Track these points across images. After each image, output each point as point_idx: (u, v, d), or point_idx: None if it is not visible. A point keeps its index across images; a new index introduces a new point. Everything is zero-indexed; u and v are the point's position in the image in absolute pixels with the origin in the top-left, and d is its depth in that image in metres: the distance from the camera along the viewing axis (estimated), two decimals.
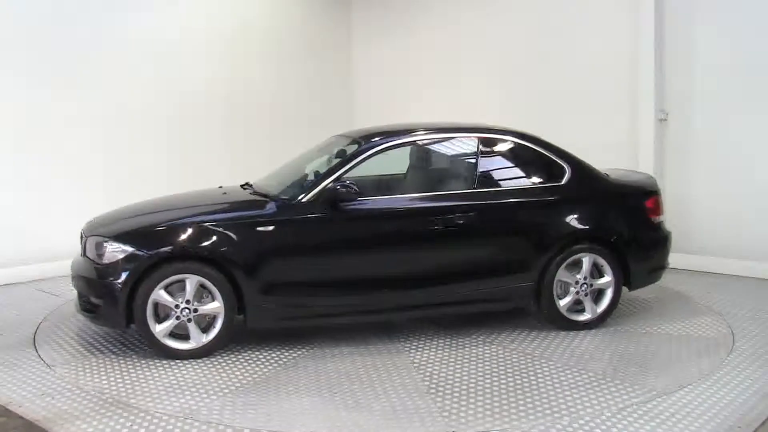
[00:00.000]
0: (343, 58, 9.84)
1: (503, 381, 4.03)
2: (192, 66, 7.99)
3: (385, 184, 5.47)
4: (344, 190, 4.53)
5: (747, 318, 5.21)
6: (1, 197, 6.56)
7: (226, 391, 3.92)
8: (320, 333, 4.87)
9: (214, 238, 4.40)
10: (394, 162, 5.36)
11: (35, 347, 4.69)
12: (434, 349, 4.58)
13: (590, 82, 7.42)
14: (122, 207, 5.14)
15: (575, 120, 7.43)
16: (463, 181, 5.02)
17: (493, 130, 5.18)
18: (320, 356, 4.49)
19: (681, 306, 5.56)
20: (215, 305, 4.38)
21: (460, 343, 4.70)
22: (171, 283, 4.34)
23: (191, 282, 4.32)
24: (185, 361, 4.35)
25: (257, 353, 4.53)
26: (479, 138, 5.04)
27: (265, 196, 4.84)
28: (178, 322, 4.36)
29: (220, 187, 5.45)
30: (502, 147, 5.09)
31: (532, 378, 4.07)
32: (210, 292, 4.38)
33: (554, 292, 4.86)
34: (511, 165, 5.08)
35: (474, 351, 4.55)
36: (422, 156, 5.40)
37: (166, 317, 4.36)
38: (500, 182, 4.99)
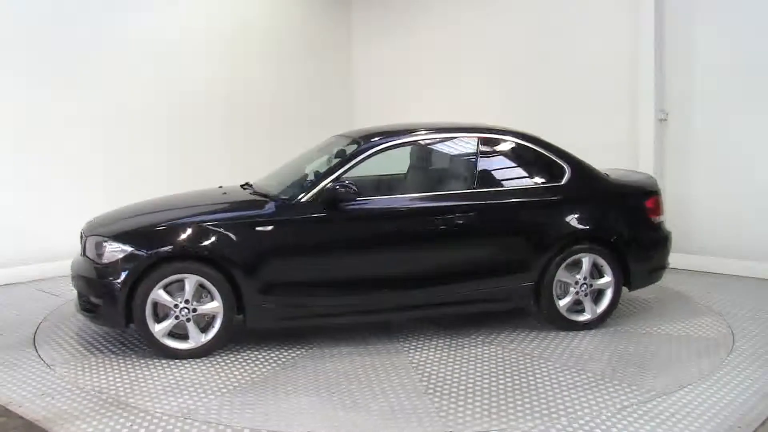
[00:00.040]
0: (343, 58, 9.84)
1: (501, 381, 4.03)
2: (192, 66, 7.99)
3: (386, 184, 5.47)
4: (343, 190, 4.53)
5: (747, 318, 5.20)
6: (1, 197, 6.56)
7: (224, 390, 3.92)
8: (320, 333, 4.87)
9: (214, 238, 4.40)
10: (396, 162, 5.37)
11: (35, 347, 4.69)
12: (433, 350, 4.58)
13: (590, 82, 7.42)
14: (122, 207, 5.15)
15: (575, 120, 7.43)
16: (462, 181, 5.02)
17: (493, 130, 5.18)
18: (319, 356, 4.49)
19: (681, 306, 5.56)
20: (214, 305, 4.38)
21: (459, 344, 4.69)
22: (170, 283, 4.34)
23: (190, 282, 4.33)
24: (184, 361, 4.35)
25: (256, 353, 4.53)
26: (479, 138, 5.04)
27: (264, 196, 4.84)
28: (177, 321, 4.36)
29: (220, 187, 5.45)
30: (501, 147, 5.08)
31: (531, 378, 4.07)
32: (209, 292, 4.38)
33: (554, 293, 4.85)
34: (511, 165, 5.08)
35: (473, 351, 4.55)
36: (422, 156, 5.40)
37: (165, 317, 4.37)
38: (500, 182, 4.99)
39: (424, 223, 4.73)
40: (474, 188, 4.88)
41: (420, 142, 5.24)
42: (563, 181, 5.00)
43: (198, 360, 4.38)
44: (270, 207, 4.64)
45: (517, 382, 4.02)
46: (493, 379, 4.07)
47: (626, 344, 4.64)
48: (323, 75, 9.54)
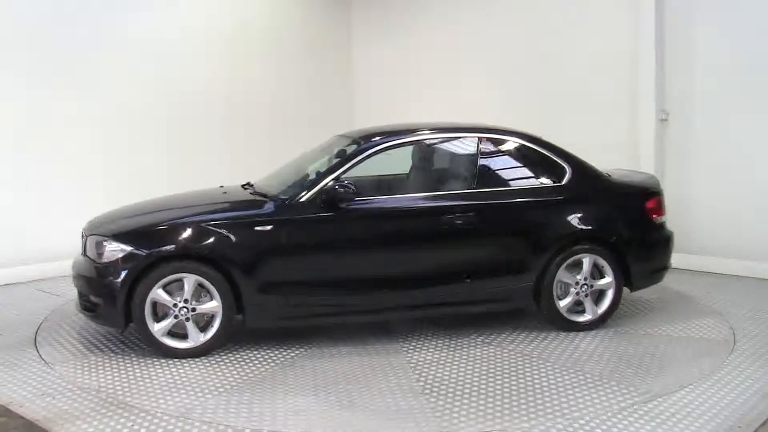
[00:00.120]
0: (343, 58, 9.84)
1: (499, 382, 4.03)
2: (192, 66, 7.99)
3: (386, 184, 5.47)
4: (342, 190, 4.53)
5: (747, 318, 5.20)
6: (1, 197, 6.56)
7: (222, 390, 3.93)
8: (319, 333, 4.87)
9: (213, 237, 4.41)
10: (398, 162, 5.37)
11: (36, 347, 4.69)
12: (432, 350, 4.58)
13: (590, 82, 7.42)
14: (123, 206, 5.15)
15: (575, 120, 7.43)
16: (462, 181, 5.02)
17: (494, 130, 5.18)
18: (318, 356, 4.49)
19: (681, 306, 5.56)
20: (213, 304, 4.39)
21: (458, 344, 4.69)
22: (169, 282, 4.34)
23: (189, 281, 4.33)
24: (183, 360, 4.36)
25: (255, 352, 4.53)
26: (479, 138, 5.04)
27: (264, 196, 4.84)
28: (176, 321, 4.37)
29: (221, 186, 5.45)
30: (502, 147, 5.08)
31: (529, 379, 4.06)
32: (208, 292, 4.39)
33: (554, 293, 4.85)
34: (511, 165, 5.08)
35: (472, 352, 4.54)
36: (423, 156, 5.40)
37: (165, 316, 4.37)
38: (500, 182, 4.99)
39: (424, 223, 4.74)
40: (474, 188, 4.88)
41: (420, 142, 5.24)
42: (564, 182, 5.00)
43: (197, 359, 4.38)
44: (269, 207, 4.64)
45: (514, 382, 4.01)
46: (491, 379, 4.07)
47: (627, 345, 4.64)
48: (323, 75, 9.53)
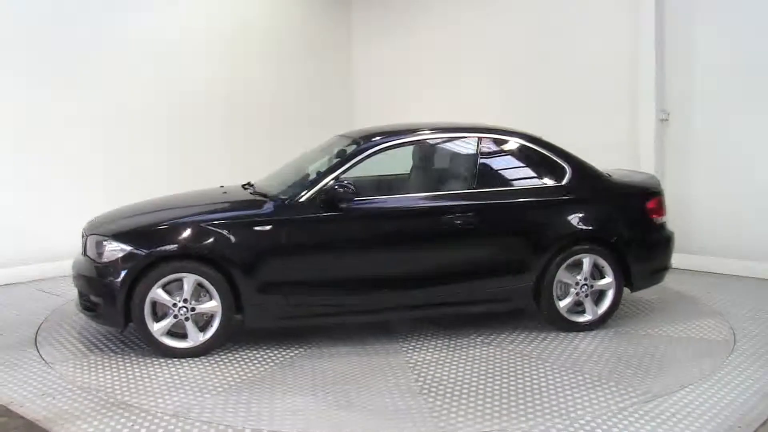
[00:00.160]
0: (343, 58, 9.84)
1: (498, 382, 4.02)
2: (192, 66, 7.99)
3: (386, 184, 5.47)
4: (342, 190, 4.53)
5: (747, 318, 5.20)
6: (1, 197, 6.56)
7: (220, 389, 3.93)
8: (318, 332, 4.88)
9: (212, 237, 4.41)
10: (400, 162, 5.37)
11: (36, 347, 4.69)
12: (431, 350, 4.58)
13: (590, 82, 7.42)
14: (124, 206, 5.15)
15: (575, 120, 7.43)
16: (462, 182, 5.01)
17: (493, 130, 5.18)
18: (317, 356, 4.49)
19: (681, 306, 5.56)
20: (212, 304, 4.39)
21: (457, 344, 4.69)
22: (169, 282, 4.35)
23: (188, 281, 4.34)
24: (182, 360, 4.36)
25: (254, 352, 4.53)
26: (479, 138, 5.04)
27: (264, 196, 4.84)
28: (175, 320, 4.37)
29: (222, 186, 5.45)
30: (502, 147, 5.09)
31: (527, 379, 4.06)
32: (208, 291, 4.39)
33: (554, 293, 4.85)
34: (511, 165, 5.08)
35: (471, 352, 4.54)
36: (422, 156, 5.40)
37: (164, 316, 4.37)
38: (499, 182, 4.98)
39: (424, 224, 4.74)
40: (473, 188, 4.88)
41: (420, 142, 5.24)
42: (564, 182, 5.00)
43: (196, 359, 4.38)
44: (268, 207, 4.65)
45: (513, 382, 4.01)
46: (490, 379, 4.06)
47: (627, 345, 4.64)
48: (323, 75, 9.53)
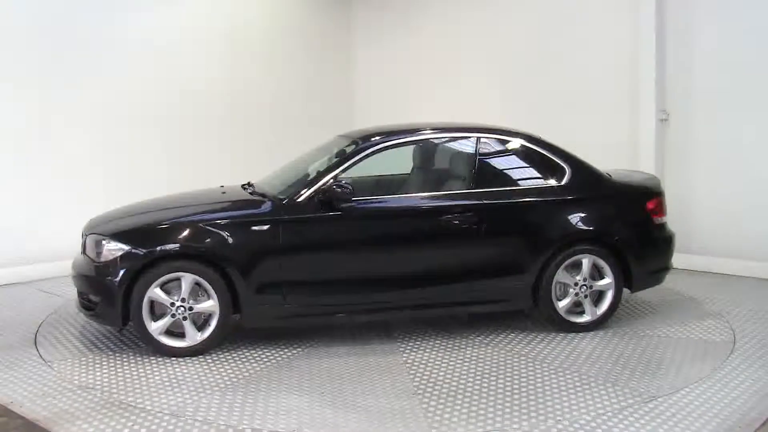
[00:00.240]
0: (343, 58, 9.84)
1: (493, 382, 4.01)
2: (192, 66, 7.99)
3: (385, 184, 5.47)
4: (339, 189, 4.53)
5: (747, 318, 5.20)
6: (1, 197, 6.56)
7: (216, 389, 3.93)
8: (317, 332, 4.88)
9: (210, 237, 4.42)
10: (401, 162, 5.37)
11: (36, 347, 4.69)
12: (429, 350, 4.58)
13: (590, 82, 7.42)
14: (124, 206, 5.16)
15: (575, 120, 7.43)
16: (461, 182, 5.01)
17: (493, 130, 5.17)
18: (314, 355, 4.50)
19: (681, 306, 5.55)
20: (210, 304, 4.40)
21: (455, 344, 4.69)
22: (167, 282, 4.36)
23: (186, 280, 4.35)
24: (180, 359, 4.37)
25: (252, 351, 4.54)
26: (478, 138, 5.04)
27: (263, 195, 4.84)
28: (173, 320, 4.38)
29: (221, 186, 5.46)
30: (501, 147, 5.08)
31: (524, 380, 4.05)
32: (206, 291, 4.39)
33: (553, 294, 4.84)
34: (510, 165, 5.07)
35: (469, 352, 4.53)
36: (422, 156, 5.40)
37: (163, 315, 4.38)
38: (498, 182, 4.97)
39: (422, 224, 4.74)
40: (472, 189, 4.87)
41: (419, 142, 5.24)
42: (564, 182, 4.99)
43: (194, 358, 4.39)
44: (266, 206, 4.65)
45: (509, 383, 4.00)
46: (486, 380, 4.05)
47: (626, 345, 4.64)
48: (323, 75, 9.53)
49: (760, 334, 4.82)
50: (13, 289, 6.33)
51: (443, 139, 5.30)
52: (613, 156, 6.69)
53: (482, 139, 5.03)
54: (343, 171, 4.70)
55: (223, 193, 5.18)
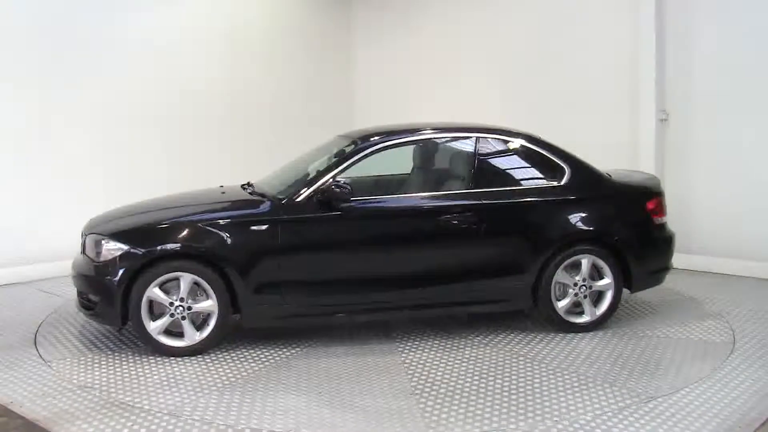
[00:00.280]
0: (343, 58, 9.84)
1: (491, 383, 4.01)
2: (192, 66, 7.99)
3: (384, 184, 5.47)
4: (338, 189, 4.53)
5: (747, 318, 5.20)
6: (1, 197, 6.56)
7: (213, 388, 3.94)
8: (316, 332, 4.88)
9: (208, 236, 4.43)
10: (401, 162, 5.37)
11: (36, 347, 4.69)
12: (428, 350, 4.57)
13: (590, 82, 7.42)
14: (124, 206, 5.17)
15: (575, 120, 7.43)
16: (460, 182, 5.00)
17: (492, 130, 5.17)
18: (313, 355, 4.50)
19: (681, 307, 5.55)
20: (209, 303, 4.41)
21: (454, 345, 4.68)
22: (166, 281, 4.36)
23: (185, 280, 4.35)
24: (178, 359, 4.38)
25: (251, 351, 4.54)
26: (478, 138, 5.03)
27: (262, 195, 4.84)
28: (172, 319, 4.38)
29: (221, 186, 5.46)
30: (500, 147, 5.08)
31: (521, 380, 4.04)
32: (204, 291, 4.40)
33: (552, 294, 4.84)
34: (510, 165, 5.07)
35: (468, 352, 4.53)
36: (421, 156, 5.40)
37: (162, 315, 4.38)
38: (497, 182, 4.96)
39: (421, 223, 4.74)
40: (471, 189, 4.87)
41: (418, 142, 5.24)
42: (563, 182, 4.99)
43: (192, 358, 4.40)
44: (265, 206, 4.65)
45: (506, 383, 4.00)
46: (483, 380, 4.05)
47: (625, 346, 4.64)
48: (323, 75, 9.53)
49: (760, 334, 4.82)
50: (13, 289, 6.33)
51: (442, 139, 5.30)
52: (613, 156, 6.68)
53: (481, 139, 5.03)
54: (342, 171, 4.70)
55: (223, 193, 5.18)
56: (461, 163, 5.08)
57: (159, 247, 4.36)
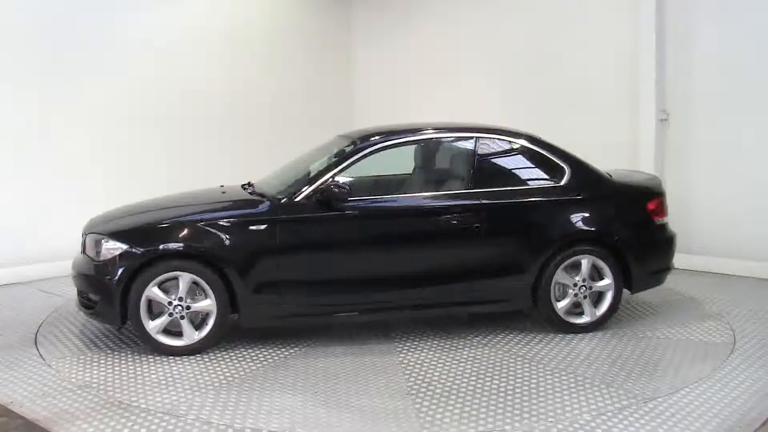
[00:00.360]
0: (343, 58, 9.84)
1: (488, 383, 4.00)
2: (192, 66, 7.99)
3: (384, 184, 5.47)
4: (337, 189, 4.53)
5: (747, 318, 5.20)
6: (1, 197, 6.56)
7: (210, 387, 3.94)
8: (315, 332, 4.88)
9: (207, 236, 4.43)
10: (401, 162, 5.37)
11: (36, 347, 4.69)
12: (426, 350, 4.57)
13: (590, 82, 7.42)
14: (124, 205, 5.17)
15: (575, 120, 7.43)
16: (460, 182, 4.99)
17: (492, 130, 5.16)
18: (311, 355, 4.50)
19: (682, 307, 5.55)
20: (208, 303, 4.41)
21: (453, 345, 4.68)
22: (165, 281, 4.37)
23: (184, 280, 4.36)
24: (177, 358, 4.38)
25: (249, 350, 4.55)
26: (478, 138, 5.03)
27: (262, 195, 4.84)
28: (171, 319, 4.39)
29: (221, 186, 5.46)
30: (500, 147, 5.07)
31: (520, 380, 4.04)
32: (203, 290, 4.40)
33: (552, 294, 4.84)
34: (509, 165, 5.07)
35: (466, 353, 4.53)
36: (421, 156, 5.40)
37: (160, 314, 4.39)
38: (497, 182, 4.95)
39: (421, 223, 4.74)
40: (471, 189, 4.86)
41: (418, 142, 5.24)
42: (563, 182, 4.99)
43: (191, 357, 4.40)
44: (264, 206, 4.65)
45: (503, 383, 3.99)
46: (480, 380, 4.04)
47: (625, 346, 4.63)
48: (323, 75, 9.53)
49: (760, 335, 4.82)
50: (13, 289, 6.33)
51: (442, 139, 5.29)
52: (613, 156, 6.68)
53: (482, 139, 5.02)
54: (341, 171, 4.70)
55: (223, 193, 5.18)
56: (461, 163, 5.08)
57: (158, 247, 4.37)
